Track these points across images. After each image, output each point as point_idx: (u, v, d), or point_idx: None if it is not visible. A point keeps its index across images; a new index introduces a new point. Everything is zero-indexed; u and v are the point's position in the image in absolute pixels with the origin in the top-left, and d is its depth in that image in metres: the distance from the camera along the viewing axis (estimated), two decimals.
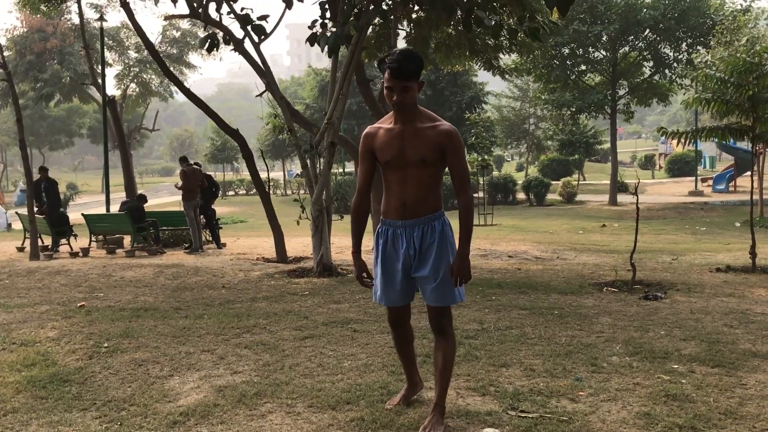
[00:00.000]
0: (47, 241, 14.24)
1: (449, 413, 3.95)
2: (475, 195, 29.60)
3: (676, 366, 4.91)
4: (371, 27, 12.82)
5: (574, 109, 31.65)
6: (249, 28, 10.26)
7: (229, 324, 6.53)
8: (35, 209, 13.35)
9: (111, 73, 63.42)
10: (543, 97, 33.31)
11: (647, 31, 29.40)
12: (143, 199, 15.26)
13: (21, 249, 14.14)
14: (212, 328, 6.39)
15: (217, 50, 10.75)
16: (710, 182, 36.87)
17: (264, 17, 10.24)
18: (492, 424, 3.82)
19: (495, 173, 41.87)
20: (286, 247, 11.93)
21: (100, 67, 23.36)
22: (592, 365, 4.95)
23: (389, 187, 3.82)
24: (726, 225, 22.01)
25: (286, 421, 3.99)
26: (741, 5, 27.47)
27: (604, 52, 31.13)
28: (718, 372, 4.77)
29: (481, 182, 25.11)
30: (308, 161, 10.39)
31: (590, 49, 30.65)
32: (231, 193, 49.31)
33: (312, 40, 9.70)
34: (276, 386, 4.58)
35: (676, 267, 10.59)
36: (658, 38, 29.66)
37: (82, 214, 15.51)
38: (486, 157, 25.71)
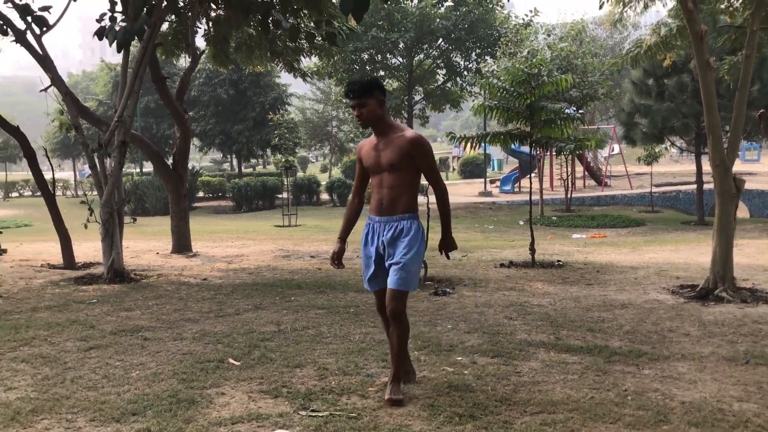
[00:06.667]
0: None
1: (239, 417, 3.94)
2: (279, 196, 29.48)
3: (460, 358, 5.22)
4: (168, 23, 12.40)
5: None
6: (29, 18, 9.53)
7: (4, 337, 6.02)
8: None
9: None
10: (344, 101, 33.99)
11: (440, 40, 30.92)
12: None
13: None
14: None
15: None
16: (498, 183, 39.43)
17: (46, 8, 9.55)
18: (283, 425, 3.84)
19: (299, 174, 42.12)
20: (76, 253, 11.23)
21: None
22: (383, 361, 5.13)
23: (373, 188, 4.44)
24: (511, 223, 23.67)
25: None
26: (523, 20, 29.70)
27: (401, 59, 32.33)
28: (497, 361, 5.13)
29: (286, 183, 25.10)
30: (97, 161, 9.84)
31: (388, 56, 31.70)
32: (15, 194, 45.43)
33: (100, 34, 9.19)
34: (55, 401, 4.31)
35: (465, 263, 11.23)
36: (450, 47, 31.28)
37: None
38: (290, 158, 25.75)
